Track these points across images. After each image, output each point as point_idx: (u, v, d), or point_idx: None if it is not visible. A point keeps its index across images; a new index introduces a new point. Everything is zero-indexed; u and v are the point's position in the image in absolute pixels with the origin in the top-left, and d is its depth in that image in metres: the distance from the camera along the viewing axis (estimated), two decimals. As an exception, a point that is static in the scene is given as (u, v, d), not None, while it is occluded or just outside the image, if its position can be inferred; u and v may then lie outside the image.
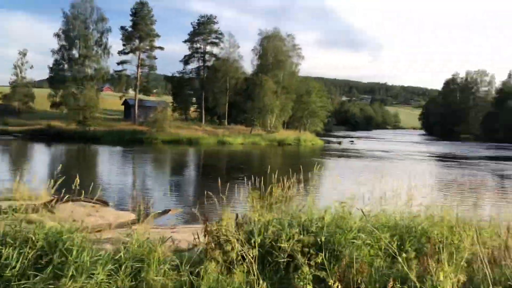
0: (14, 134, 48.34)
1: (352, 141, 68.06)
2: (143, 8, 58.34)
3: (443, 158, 43.39)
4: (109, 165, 30.38)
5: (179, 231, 8.01)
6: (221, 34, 66.57)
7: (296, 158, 40.19)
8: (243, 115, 63.36)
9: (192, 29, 65.95)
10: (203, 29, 65.47)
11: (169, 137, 48.02)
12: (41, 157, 33.96)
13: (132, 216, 8.62)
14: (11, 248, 4.09)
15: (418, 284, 3.69)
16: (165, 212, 10.39)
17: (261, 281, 3.97)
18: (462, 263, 4.21)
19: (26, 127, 52.27)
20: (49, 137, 47.06)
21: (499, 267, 4.46)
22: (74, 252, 4.09)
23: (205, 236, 4.88)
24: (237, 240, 4.41)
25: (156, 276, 4.20)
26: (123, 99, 65.33)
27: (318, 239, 4.54)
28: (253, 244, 4.34)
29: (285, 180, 6.41)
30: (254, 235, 4.50)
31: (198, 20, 65.57)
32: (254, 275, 4.03)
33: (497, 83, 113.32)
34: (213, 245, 4.61)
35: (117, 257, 4.26)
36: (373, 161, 37.12)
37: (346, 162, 36.20)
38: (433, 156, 46.25)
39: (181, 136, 49.04)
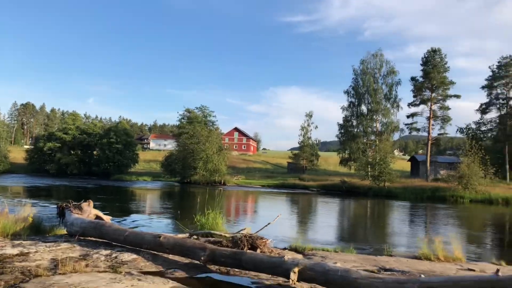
0: (311, 188, 50.03)
1: None
2: (434, 55, 53.96)
3: None
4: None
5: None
6: (529, 74, 55.32)
7: None
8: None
9: (491, 74, 57.21)
10: (504, 72, 55.86)
11: (480, 195, 40.46)
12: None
13: None
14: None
15: None
16: None
17: None
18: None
19: (319, 182, 53.73)
20: (342, 192, 46.56)
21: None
22: None
23: None
24: None
25: None
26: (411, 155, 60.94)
27: None
28: None
29: None
30: None
31: (498, 62, 56.51)
32: None
33: None
34: None
35: None
36: None
37: None
38: None
39: (493, 195, 40.79)
